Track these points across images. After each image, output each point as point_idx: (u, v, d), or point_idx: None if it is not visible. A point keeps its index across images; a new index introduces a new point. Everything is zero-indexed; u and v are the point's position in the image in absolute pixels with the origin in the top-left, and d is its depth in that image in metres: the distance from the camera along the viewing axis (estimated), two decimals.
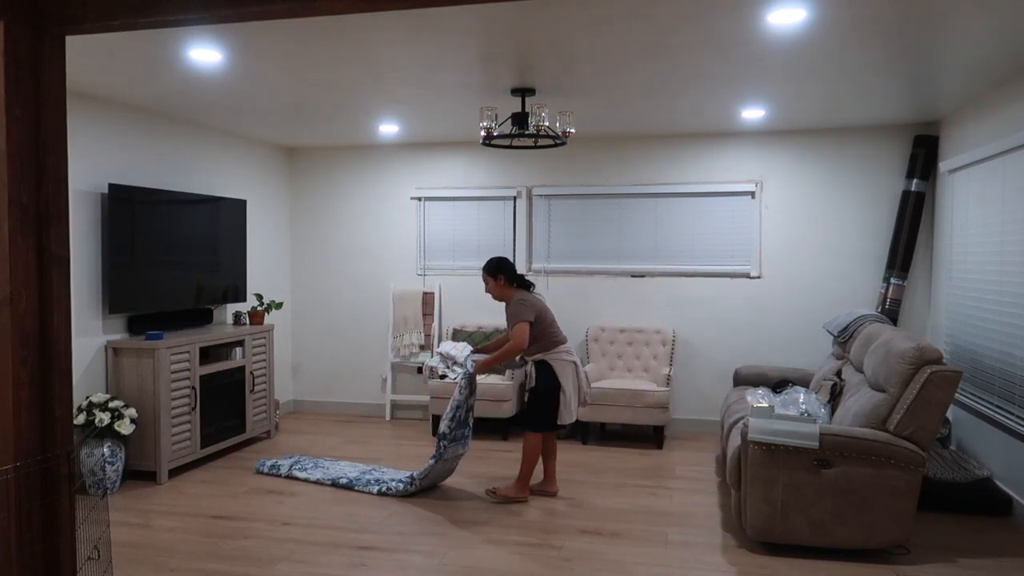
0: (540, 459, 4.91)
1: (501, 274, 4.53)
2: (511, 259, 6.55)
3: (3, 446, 2.33)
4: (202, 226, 5.62)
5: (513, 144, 4.82)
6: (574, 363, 4.52)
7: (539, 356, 4.51)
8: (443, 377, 6.05)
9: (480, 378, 6.00)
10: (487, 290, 4.58)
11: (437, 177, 6.76)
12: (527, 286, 4.60)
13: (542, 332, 4.48)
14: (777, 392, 4.99)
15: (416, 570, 3.57)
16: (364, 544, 3.90)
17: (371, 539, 3.96)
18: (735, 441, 3.94)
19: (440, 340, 6.71)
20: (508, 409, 5.89)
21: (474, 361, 4.57)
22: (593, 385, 5.74)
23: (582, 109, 5.15)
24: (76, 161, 4.64)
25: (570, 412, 4.50)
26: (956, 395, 4.24)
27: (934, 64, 3.99)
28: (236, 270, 6.03)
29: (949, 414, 5.19)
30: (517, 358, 4.58)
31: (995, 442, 4.47)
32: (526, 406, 4.56)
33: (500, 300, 4.58)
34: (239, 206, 6.05)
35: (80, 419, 4.51)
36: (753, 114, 5.35)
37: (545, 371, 4.49)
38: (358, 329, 6.97)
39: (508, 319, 4.46)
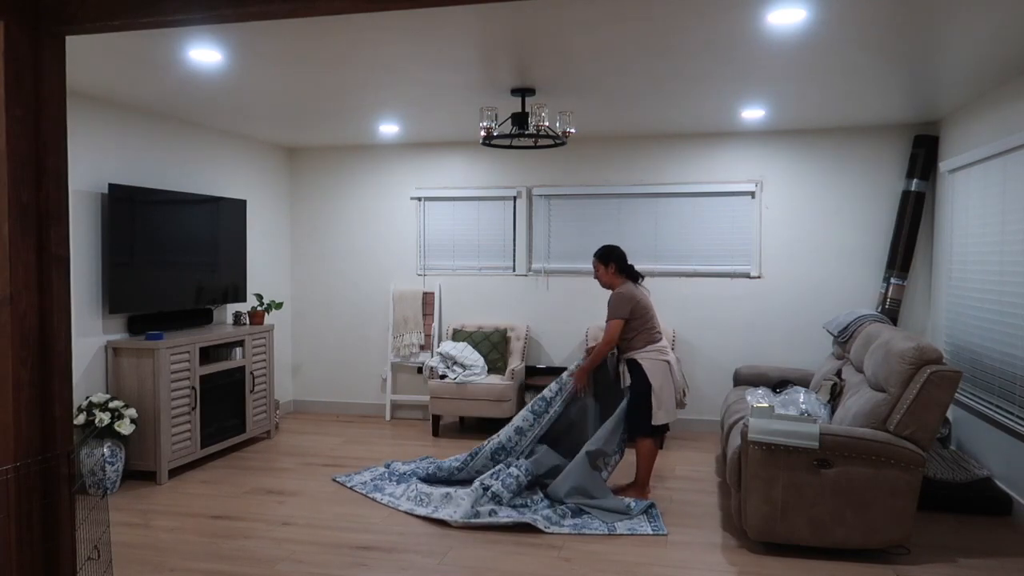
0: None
1: (612, 263, 4.53)
2: (513, 258, 6.57)
3: (3, 446, 2.33)
4: (202, 226, 5.62)
5: (513, 144, 4.82)
6: (667, 362, 4.44)
7: (630, 355, 4.45)
8: (443, 377, 6.06)
9: (479, 379, 6.00)
10: (595, 275, 4.60)
11: (437, 177, 6.76)
12: (635, 277, 4.57)
13: (636, 329, 4.42)
14: (777, 392, 4.99)
15: (416, 570, 3.57)
16: (364, 544, 3.90)
17: (371, 539, 3.96)
18: (735, 441, 3.94)
19: (440, 340, 6.71)
20: (508, 409, 5.89)
21: (571, 373, 4.62)
22: None
23: (582, 109, 5.15)
24: (76, 161, 4.64)
25: (666, 412, 4.41)
26: (956, 395, 4.24)
27: (934, 64, 3.99)
28: (236, 270, 6.03)
29: (949, 414, 5.19)
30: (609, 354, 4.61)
31: (995, 442, 4.47)
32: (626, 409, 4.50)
33: (606, 288, 4.58)
34: (239, 206, 6.05)
35: (80, 419, 4.51)
36: (753, 114, 5.35)
37: (636, 370, 4.42)
38: (358, 329, 6.97)
39: (607, 312, 4.48)
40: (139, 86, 4.53)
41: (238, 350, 5.61)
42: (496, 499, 4.27)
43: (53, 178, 2.43)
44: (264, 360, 5.91)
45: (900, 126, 5.82)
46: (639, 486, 4.54)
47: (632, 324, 4.44)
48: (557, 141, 4.60)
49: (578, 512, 4.26)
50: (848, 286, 5.99)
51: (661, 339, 4.50)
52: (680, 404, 4.55)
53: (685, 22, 3.29)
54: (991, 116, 4.64)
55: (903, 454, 3.58)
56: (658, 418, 4.39)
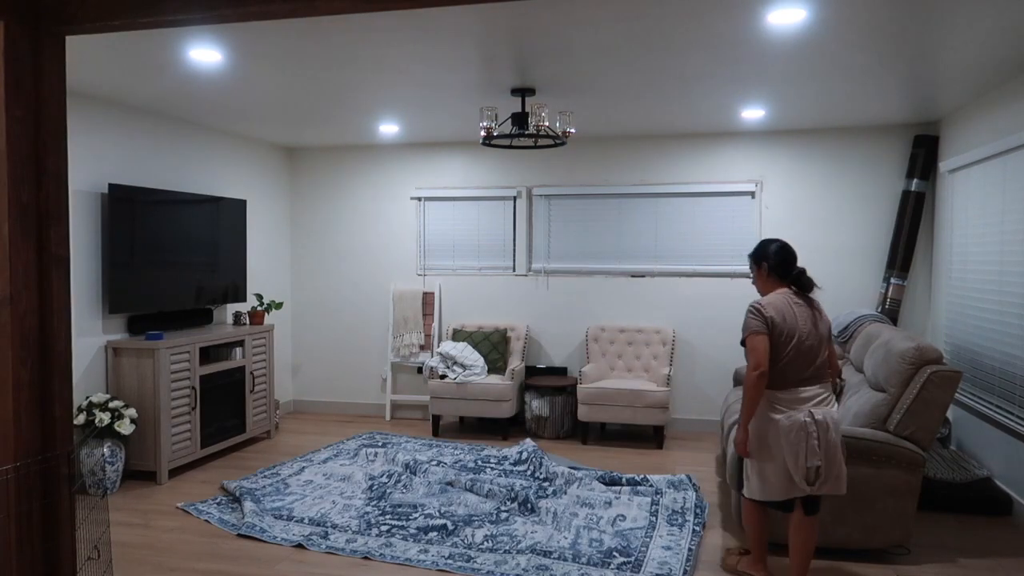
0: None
1: (764, 262, 3.31)
2: (513, 258, 6.57)
3: (3, 446, 2.34)
4: (202, 226, 5.62)
5: (513, 144, 4.82)
6: (792, 425, 3.10)
7: None
8: (443, 377, 6.05)
9: (479, 379, 6.00)
10: (753, 281, 3.43)
11: (437, 177, 6.76)
12: (802, 285, 3.26)
13: (772, 363, 3.17)
14: None
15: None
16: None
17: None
18: None
19: (440, 340, 6.71)
20: (508, 409, 5.89)
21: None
22: (593, 385, 5.75)
23: (582, 109, 5.15)
24: (76, 161, 4.64)
25: (769, 486, 3.18)
26: (956, 395, 4.24)
27: (934, 64, 3.99)
28: (236, 270, 6.02)
29: (949, 414, 5.19)
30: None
31: (995, 442, 4.47)
32: None
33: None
34: (239, 206, 6.05)
35: (80, 419, 4.51)
36: (753, 114, 5.35)
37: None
38: (358, 329, 6.97)
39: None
40: (139, 86, 4.52)
41: (238, 350, 5.61)
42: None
43: (53, 178, 2.43)
44: (264, 360, 5.91)
45: (900, 126, 5.82)
46: (752, 556, 3.50)
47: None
48: (557, 141, 4.60)
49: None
50: (848, 286, 5.99)
51: (797, 387, 3.18)
52: (810, 481, 3.17)
53: (685, 22, 3.29)
54: (991, 116, 4.64)
55: (903, 454, 3.57)
56: (750, 488, 3.36)
